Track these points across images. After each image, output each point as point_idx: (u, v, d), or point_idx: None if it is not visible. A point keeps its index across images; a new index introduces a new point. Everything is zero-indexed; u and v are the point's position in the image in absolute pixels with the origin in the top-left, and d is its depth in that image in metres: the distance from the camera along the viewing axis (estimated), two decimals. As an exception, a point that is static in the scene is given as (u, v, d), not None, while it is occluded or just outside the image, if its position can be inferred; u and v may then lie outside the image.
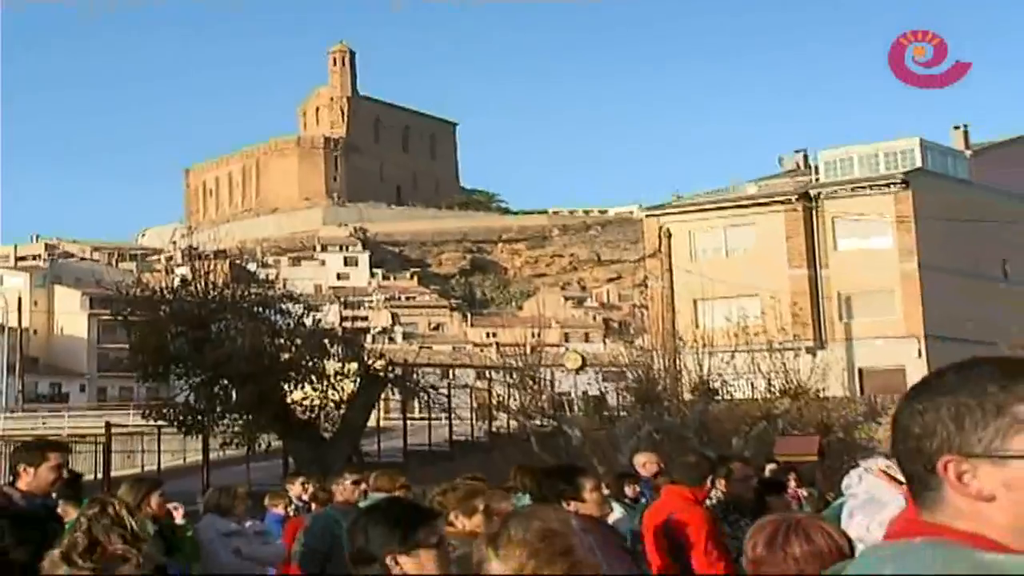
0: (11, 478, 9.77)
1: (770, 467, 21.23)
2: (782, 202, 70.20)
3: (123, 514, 8.78)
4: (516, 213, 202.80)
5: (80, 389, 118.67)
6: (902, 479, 6.12)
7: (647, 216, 78.28)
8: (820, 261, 68.76)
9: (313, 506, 17.20)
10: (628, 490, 15.97)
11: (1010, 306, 59.26)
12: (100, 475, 29.18)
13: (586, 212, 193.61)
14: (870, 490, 7.96)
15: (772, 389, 45.19)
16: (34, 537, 8.73)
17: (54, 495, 9.76)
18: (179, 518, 13.71)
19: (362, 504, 12.13)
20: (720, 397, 44.02)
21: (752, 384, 45.66)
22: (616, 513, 12.66)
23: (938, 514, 2.95)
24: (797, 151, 79.39)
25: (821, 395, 47.17)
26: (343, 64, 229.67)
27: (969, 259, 66.84)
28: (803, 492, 19.87)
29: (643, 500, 15.25)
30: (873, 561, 3.06)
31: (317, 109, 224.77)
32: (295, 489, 19.81)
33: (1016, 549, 2.79)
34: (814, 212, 69.44)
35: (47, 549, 8.44)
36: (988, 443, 2.81)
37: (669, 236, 72.06)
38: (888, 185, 67.96)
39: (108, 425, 35.21)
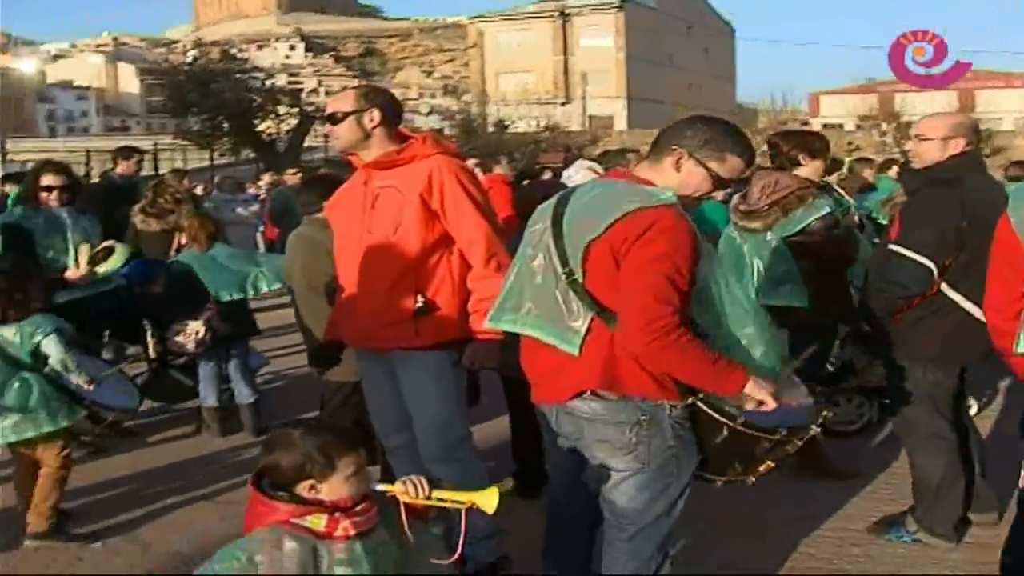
0: (112, 167, 9.92)
1: (537, 168, 21.73)
2: (549, 17, 69.46)
3: (173, 184, 9.34)
4: (391, 19, 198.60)
5: (136, 123, 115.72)
6: (602, 172, 6.60)
7: (470, 23, 77.08)
8: (569, 51, 68.43)
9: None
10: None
11: (673, 80, 59.94)
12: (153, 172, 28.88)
13: (434, 19, 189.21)
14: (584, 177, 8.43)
15: (539, 126, 45.67)
16: (128, 198, 8.96)
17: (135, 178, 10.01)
18: (200, 191, 14.10)
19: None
20: (510, 131, 44.34)
21: (528, 123, 45.99)
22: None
23: (647, 171, 3.45)
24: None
25: (567, 130, 47.89)
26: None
27: (652, 52, 67.05)
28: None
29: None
30: (587, 185, 3.58)
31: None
32: (265, 179, 20.19)
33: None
34: (567, 22, 68.97)
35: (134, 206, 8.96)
36: (703, 157, 3.33)
37: (483, 35, 71.30)
38: (610, 8, 67.47)
39: (155, 144, 34.96)
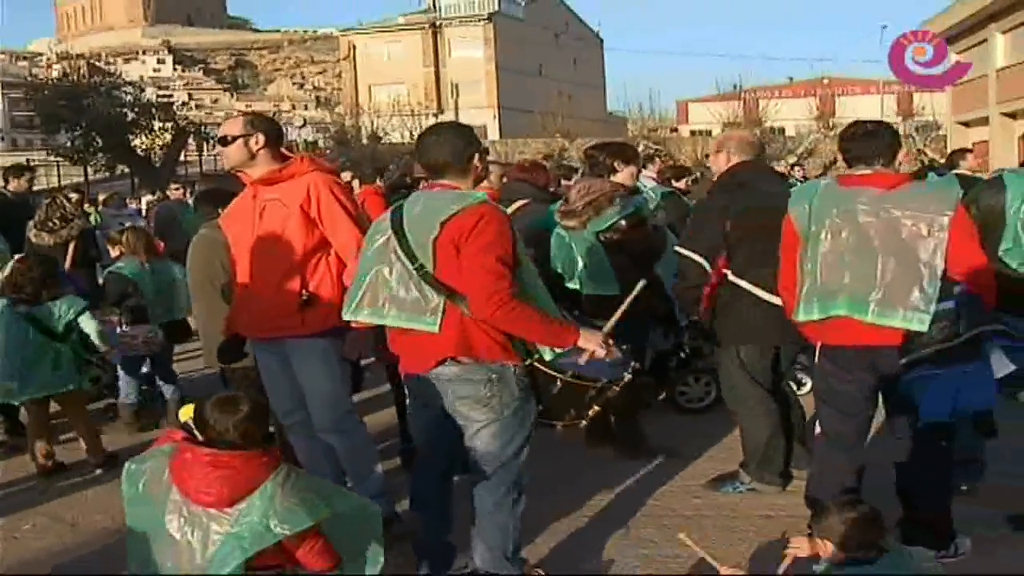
0: (3, 183, 10.14)
1: (413, 177, 22.13)
2: (420, 28, 69.76)
3: (63, 201, 9.71)
4: (262, 31, 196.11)
5: (0, 139, 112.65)
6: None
7: (341, 35, 76.96)
8: (441, 63, 68.80)
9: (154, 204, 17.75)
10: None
11: (541, 89, 60.83)
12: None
13: (305, 31, 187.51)
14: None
15: (413, 137, 46.02)
16: (21, 214, 9.31)
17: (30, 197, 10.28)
18: (88, 208, 14.26)
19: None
20: (384, 142, 44.69)
21: (402, 134, 46.32)
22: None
23: (457, 180, 4.12)
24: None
25: (440, 140, 48.27)
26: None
27: (522, 63, 67.70)
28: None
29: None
30: (412, 197, 4.25)
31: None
32: (146, 197, 20.33)
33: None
34: (438, 35, 69.37)
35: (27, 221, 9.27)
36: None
37: (355, 47, 71.31)
38: (480, 20, 68.09)
39: (28, 161, 34.48)
